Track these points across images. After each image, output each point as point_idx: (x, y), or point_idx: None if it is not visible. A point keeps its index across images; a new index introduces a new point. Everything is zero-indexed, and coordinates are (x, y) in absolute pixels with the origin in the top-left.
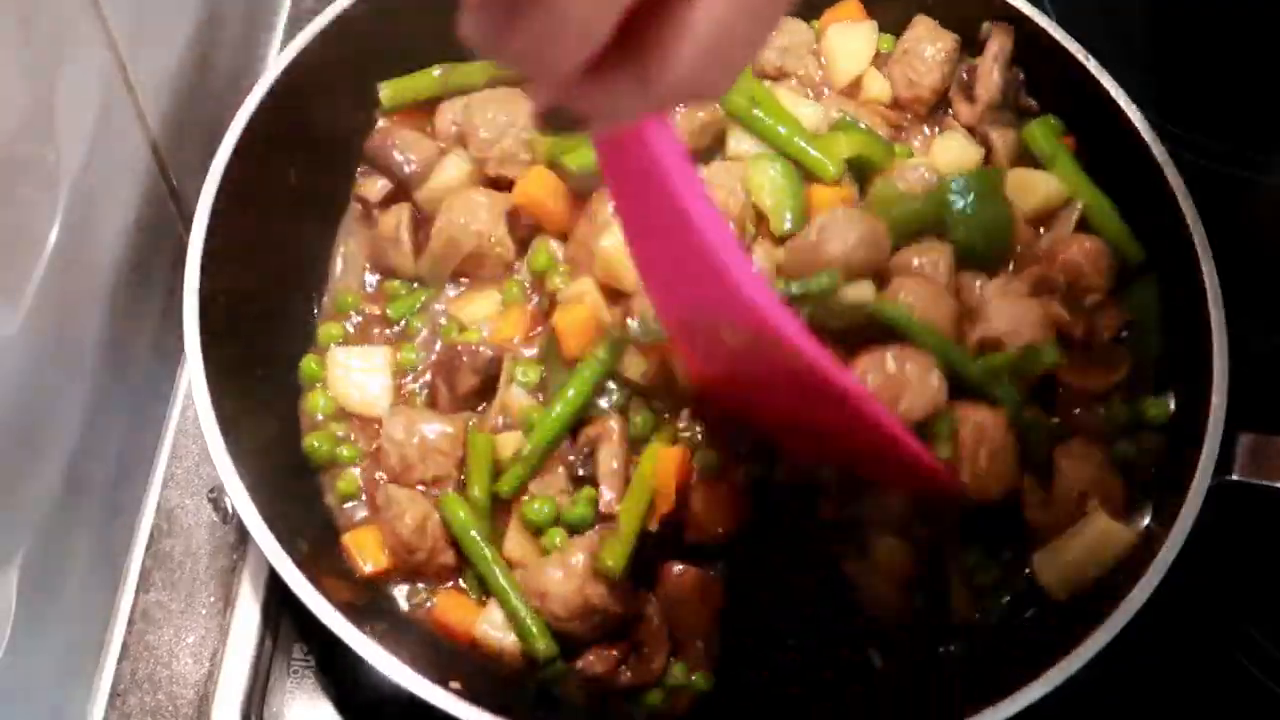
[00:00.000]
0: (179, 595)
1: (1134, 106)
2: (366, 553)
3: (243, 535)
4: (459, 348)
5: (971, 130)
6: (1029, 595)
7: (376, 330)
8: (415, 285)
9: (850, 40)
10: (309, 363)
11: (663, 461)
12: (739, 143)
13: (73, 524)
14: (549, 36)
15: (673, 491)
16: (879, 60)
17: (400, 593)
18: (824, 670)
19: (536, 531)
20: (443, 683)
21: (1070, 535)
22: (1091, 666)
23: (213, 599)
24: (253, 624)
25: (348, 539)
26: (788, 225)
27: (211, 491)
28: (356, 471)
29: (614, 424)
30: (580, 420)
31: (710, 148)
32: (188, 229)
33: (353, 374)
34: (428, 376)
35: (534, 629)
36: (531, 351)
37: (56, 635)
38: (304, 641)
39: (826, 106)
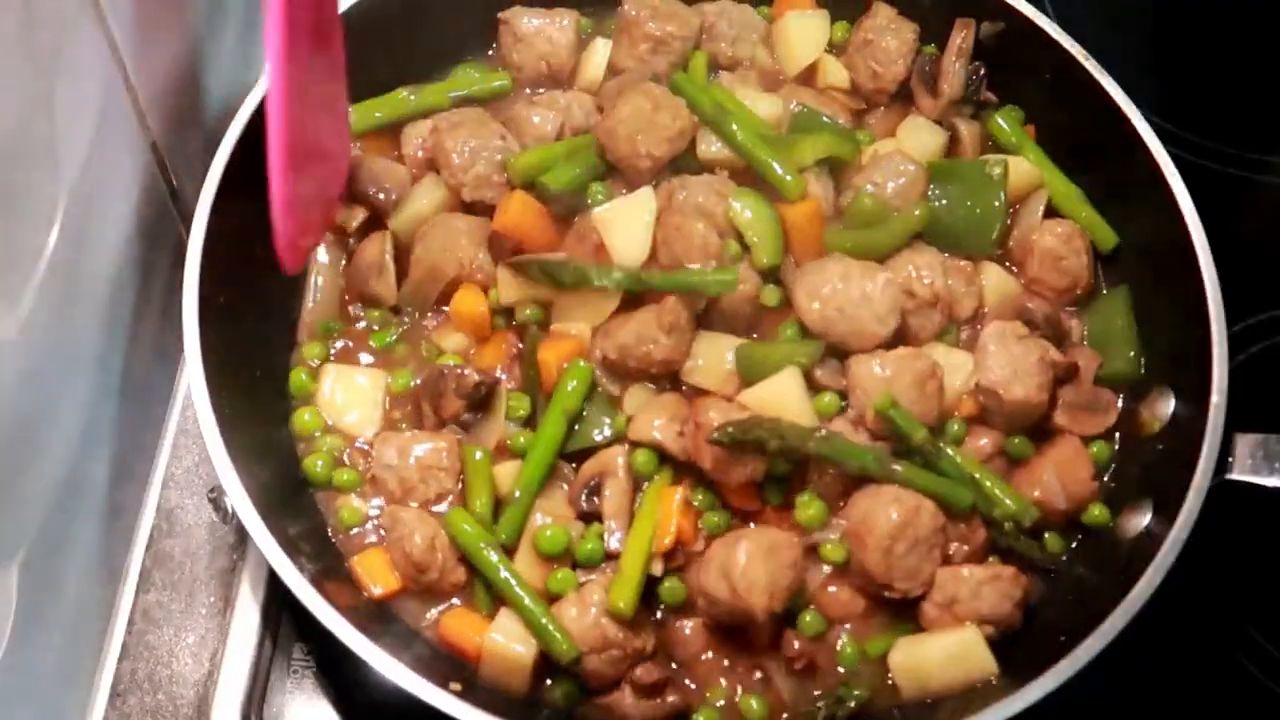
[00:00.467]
0: (179, 595)
1: (1134, 106)
2: (375, 575)
3: (243, 535)
4: (444, 371)
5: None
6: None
7: (361, 353)
8: (395, 314)
9: (805, 28)
10: (298, 375)
11: (664, 501)
12: (709, 145)
13: (73, 524)
14: None
15: (671, 530)
16: (832, 48)
17: (407, 612)
18: None
19: (549, 559)
20: (442, 684)
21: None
22: (1092, 667)
23: (213, 599)
24: (253, 624)
25: (355, 563)
26: (766, 260)
27: (211, 491)
28: (355, 500)
29: (620, 460)
30: (583, 452)
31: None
32: (188, 229)
33: (344, 396)
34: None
35: (552, 628)
36: (512, 384)
37: (56, 635)
38: (304, 641)
39: (785, 98)
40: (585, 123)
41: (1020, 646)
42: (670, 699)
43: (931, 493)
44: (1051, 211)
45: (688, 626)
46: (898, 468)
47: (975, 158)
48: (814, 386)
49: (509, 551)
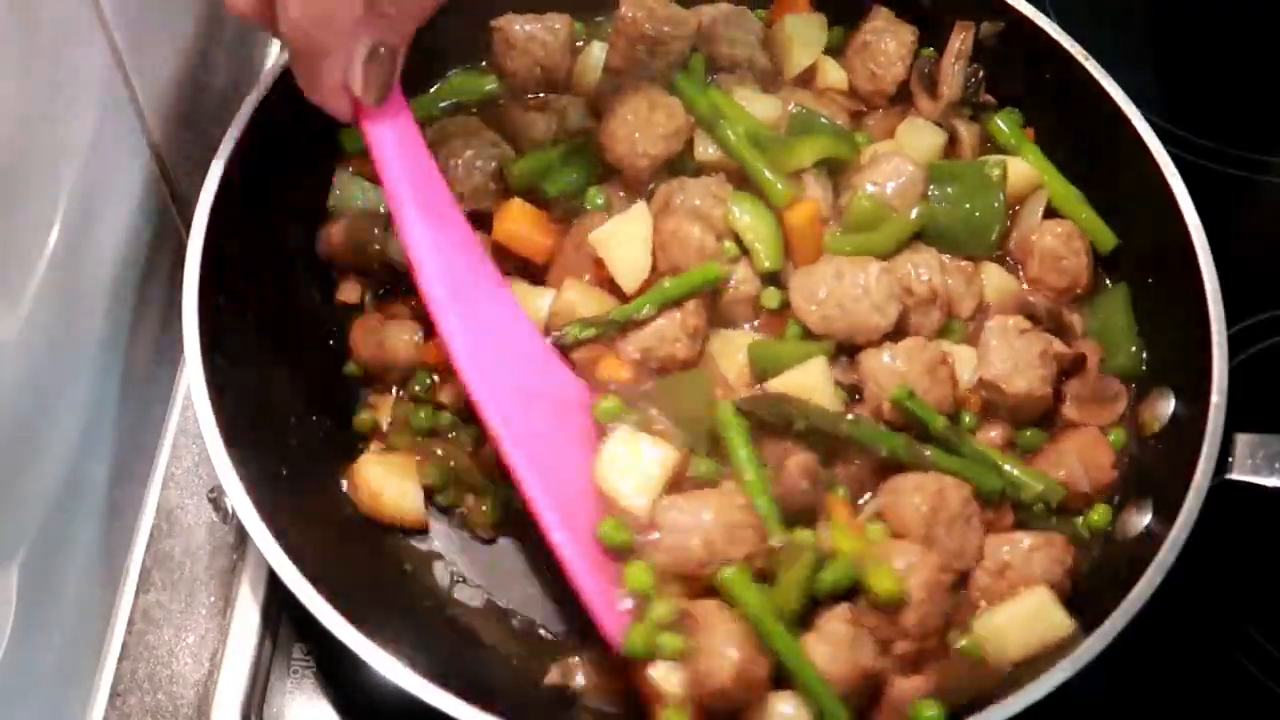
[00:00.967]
0: (179, 595)
1: (1134, 106)
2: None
3: (243, 535)
4: None
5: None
6: None
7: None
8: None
9: (804, 31)
10: (363, 421)
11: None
12: (706, 148)
13: (73, 524)
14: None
15: None
16: (830, 51)
17: None
18: None
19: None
20: (443, 683)
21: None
22: (1092, 667)
23: (213, 599)
24: (253, 624)
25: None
26: (767, 264)
27: (211, 491)
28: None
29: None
30: None
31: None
32: (188, 229)
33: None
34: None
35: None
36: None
37: (56, 635)
38: (304, 641)
39: (784, 100)
40: (582, 125)
41: None
42: None
43: (960, 476)
44: (1051, 212)
45: None
46: (928, 452)
47: (974, 159)
48: None
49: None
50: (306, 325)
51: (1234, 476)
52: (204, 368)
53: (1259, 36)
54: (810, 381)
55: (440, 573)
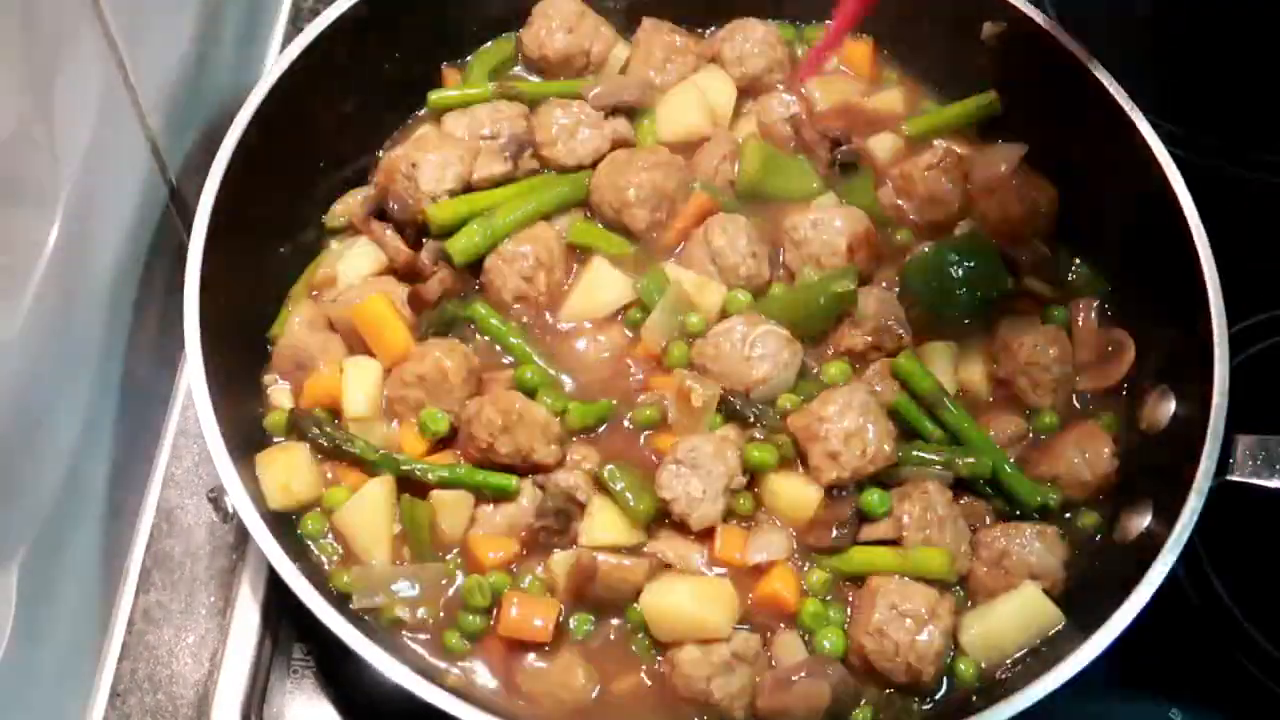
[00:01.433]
0: (179, 595)
1: (1134, 106)
2: None
3: (243, 535)
4: None
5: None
6: None
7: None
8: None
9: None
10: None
11: None
12: None
13: (73, 524)
14: None
15: None
16: None
17: None
18: None
19: None
20: (441, 683)
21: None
22: (1092, 667)
23: (213, 599)
24: (253, 624)
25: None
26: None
27: (211, 491)
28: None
29: None
30: None
31: None
32: (188, 229)
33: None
34: None
35: None
36: None
37: (56, 635)
38: (304, 641)
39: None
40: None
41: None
42: None
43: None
44: None
45: None
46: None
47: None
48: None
49: None
50: None
51: (1234, 478)
52: (204, 368)
53: (1259, 36)
54: None
55: None
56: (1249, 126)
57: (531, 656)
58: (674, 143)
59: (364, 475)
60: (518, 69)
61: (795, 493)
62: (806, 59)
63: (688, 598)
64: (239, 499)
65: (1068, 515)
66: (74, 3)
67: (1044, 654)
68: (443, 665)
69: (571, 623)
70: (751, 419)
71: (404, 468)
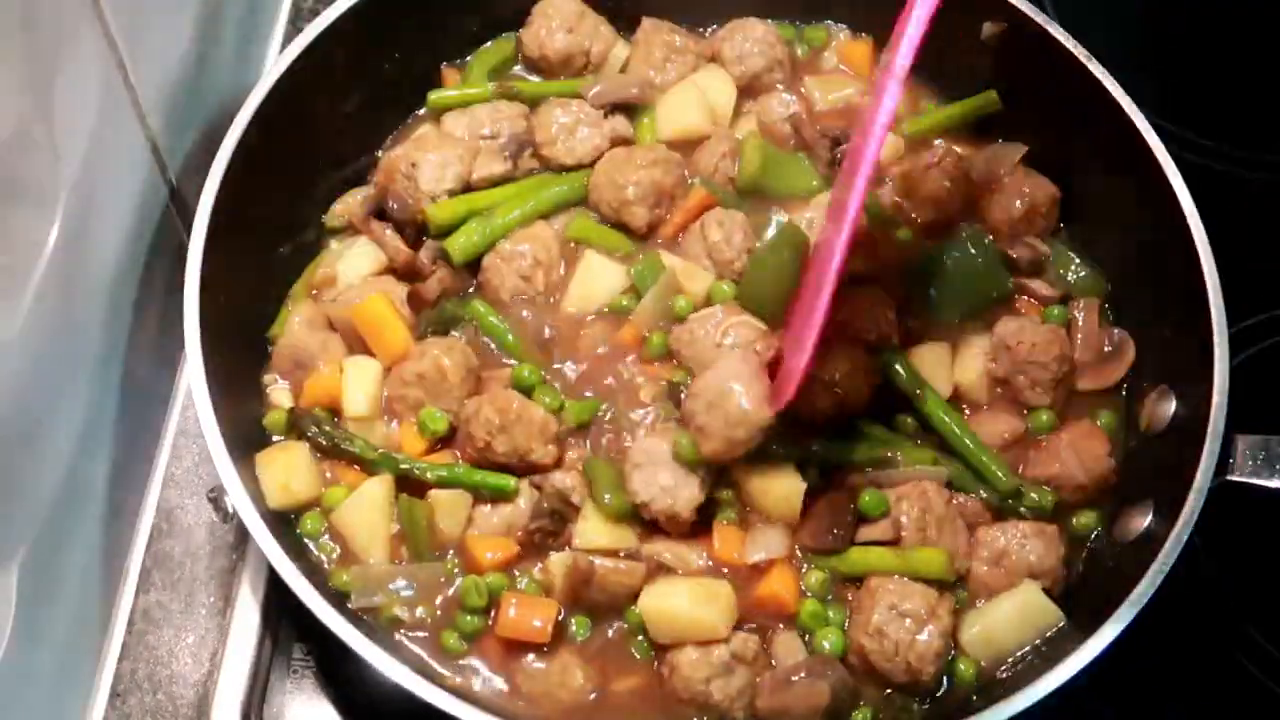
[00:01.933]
0: (179, 595)
1: (1134, 106)
2: None
3: (243, 535)
4: None
5: None
6: None
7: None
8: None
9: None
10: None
11: None
12: None
13: (73, 524)
14: None
15: None
16: None
17: None
18: None
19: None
20: (441, 683)
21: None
22: (1093, 667)
23: (212, 599)
24: (253, 624)
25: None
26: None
27: (211, 491)
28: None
29: None
30: None
31: None
32: (188, 229)
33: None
34: None
35: None
36: None
37: (56, 635)
38: (304, 641)
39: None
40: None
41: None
42: None
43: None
44: None
45: None
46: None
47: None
48: None
49: None
50: None
51: (1235, 478)
52: (204, 368)
53: (1259, 36)
54: None
55: None
56: (1249, 126)
57: (530, 657)
58: (674, 141)
59: (363, 474)
60: (517, 69)
61: (779, 488)
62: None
63: (685, 600)
64: (239, 499)
65: (1065, 515)
66: (74, 3)
67: (1044, 654)
68: (441, 666)
69: (571, 625)
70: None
71: (402, 466)
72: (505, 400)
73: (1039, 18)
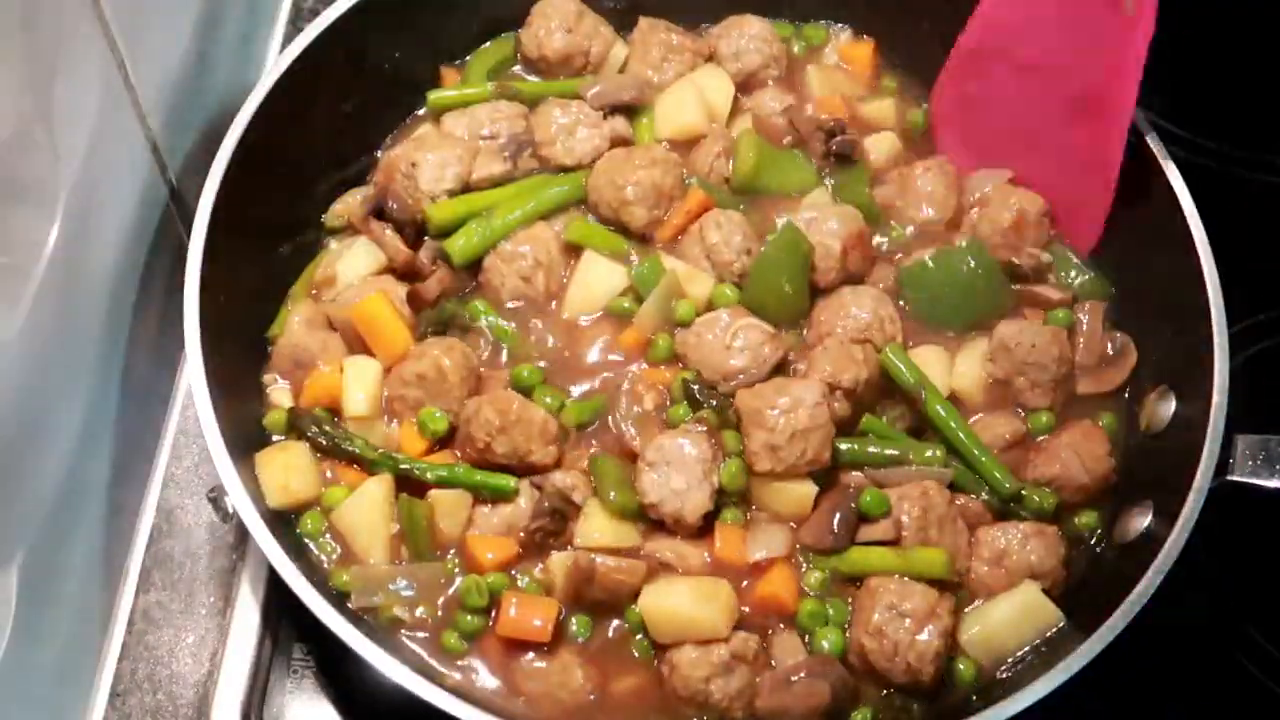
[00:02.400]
0: (179, 595)
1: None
2: None
3: (243, 535)
4: None
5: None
6: None
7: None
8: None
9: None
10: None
11: None
12: None
13: (73, 524)
14: None
15: None
16: None
17: None
18: None
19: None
20: (441, 683)
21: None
22: (1093, 667)
23: (212, 599)
24: (253, 624)
25: None
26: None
27: (211, 491)
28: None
29: None
30: None
31: None
32: (188, 229)
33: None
34: None
35: None
36: None
37: (56, 635)
38: (304, 641)
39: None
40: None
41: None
42: None
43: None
44: None
45: None
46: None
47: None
48: None
49: None
50: None
51: (1235, 478)
52: (204, 368)
53: (1259, 36)
54: None
55: None
56: (1249, 127)
57: (530, 656)
58: (673, 139)
59: (363, 474)
60: (517, 69)
61: (793, 491)
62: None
63: (686, 599)
64: (239, 499)
65: (1066, 515)
66: (74, 3)
67: (1044, 654)
68: (441, 665)
69: (572, 624)
70: (706, 405)
71: (402, 466)
72: (505, 401)
73: None
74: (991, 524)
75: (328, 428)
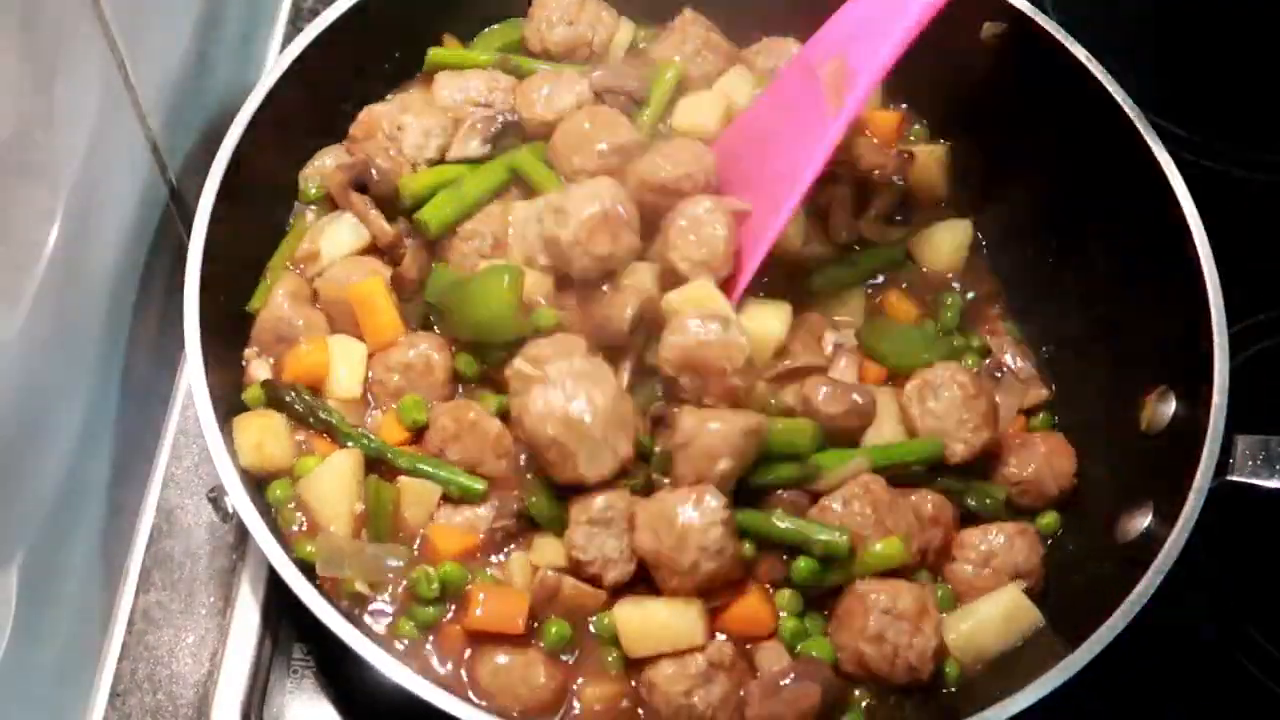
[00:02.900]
0: (179, 595)
1: (1134, 106)
2: None
3: (243, 535)
4: None
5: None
6: None
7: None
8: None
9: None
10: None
11: None
12: None
13: (73, 524)
14: None
15: None
16: None
17: None
18: None
19: None
20: (440, 684)
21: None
22: (1092, 667)
23: (212, 599)
24: (253, 624)
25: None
26: None
27: (211, 491)
28: None
29: None
30: None
31: None
32: (188, 229)
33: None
34: None
35: None
36: None
37: (56, 635)
38: (304, 641)
39: None
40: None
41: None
42: None
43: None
44: None
45: None
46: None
47: None
48: None
49: None
50: None
51: (1235, 478)
52: (204, 368)
53: (1259, 36)
54: None
55: None
56: (1249, 126)
57: (495, 650)
58: (684, 131)
59: (335, 446)
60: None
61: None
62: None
63: (660, 605)
64: (239, 499)
65: (1024, 516)
66: (74, 3)
67: (1044, 654)
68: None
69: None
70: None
71: (374, 447)
72: (462, 409)
73: (1039, 18)
74: (973, 527)
75: (306, 396)
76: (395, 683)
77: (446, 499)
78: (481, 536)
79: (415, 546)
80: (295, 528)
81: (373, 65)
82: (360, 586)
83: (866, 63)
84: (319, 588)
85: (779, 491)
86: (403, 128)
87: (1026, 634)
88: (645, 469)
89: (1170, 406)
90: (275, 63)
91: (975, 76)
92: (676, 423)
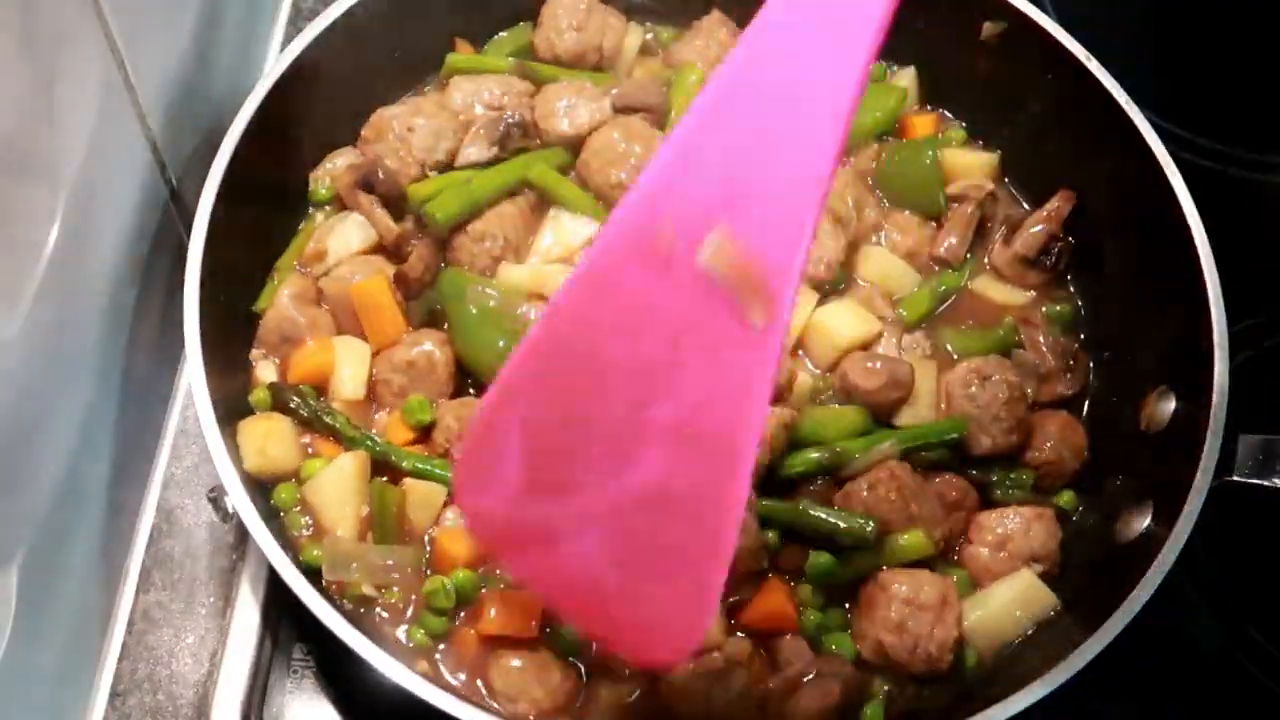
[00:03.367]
0: (179, 595)
1: (1134, 106)
2: None
3: (243, 535)
4: None
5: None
6: None
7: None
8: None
9: None
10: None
11: None
12: None
13: (73, 524)
14: None
15: None
16: None
17: None
18: None
19: None
20: (449, 689)
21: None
22: (1092, 666)
23: (213, 599)
24: (253, 624)
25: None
26: None
27: (211, 491)
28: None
29: None
30: None
31: None
32: (188, 229)
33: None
34: None
35: None
36: None
37: (56, 635)
38: (304, 641)
39: None
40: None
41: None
42: None
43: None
44: None
45: None
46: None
47: None
48: None
49: None
50: None
51: (1235, 478)
52: (204, 368)
53: (1259, 36)
54: None
55: None
56: (1249, 126)
57: (507, 653)
58: None
59: (341, 449)
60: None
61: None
62: None
63: None
64: (239, 499)
65: (1044, 496)
66: (74, 3)
67: (1044, 654)
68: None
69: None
70: None
71: (379, 449)
72: (467, 408)
73: (1039, 18)
74: (989, 510)
75: (310, 399)
76: (395, 683)
77: (452, 501)
78: None
79: (425, 550)
80: (301, 531)
81: (374, 65)
82: (367, 589)
83: (783, 224)
84: (319, 588)
85: (807, 484)
86: (413, 129)
87: (1040, 618)
88: None
89: (1170, 406)
90: (275, 63)
91: (975, 77)
92: None
